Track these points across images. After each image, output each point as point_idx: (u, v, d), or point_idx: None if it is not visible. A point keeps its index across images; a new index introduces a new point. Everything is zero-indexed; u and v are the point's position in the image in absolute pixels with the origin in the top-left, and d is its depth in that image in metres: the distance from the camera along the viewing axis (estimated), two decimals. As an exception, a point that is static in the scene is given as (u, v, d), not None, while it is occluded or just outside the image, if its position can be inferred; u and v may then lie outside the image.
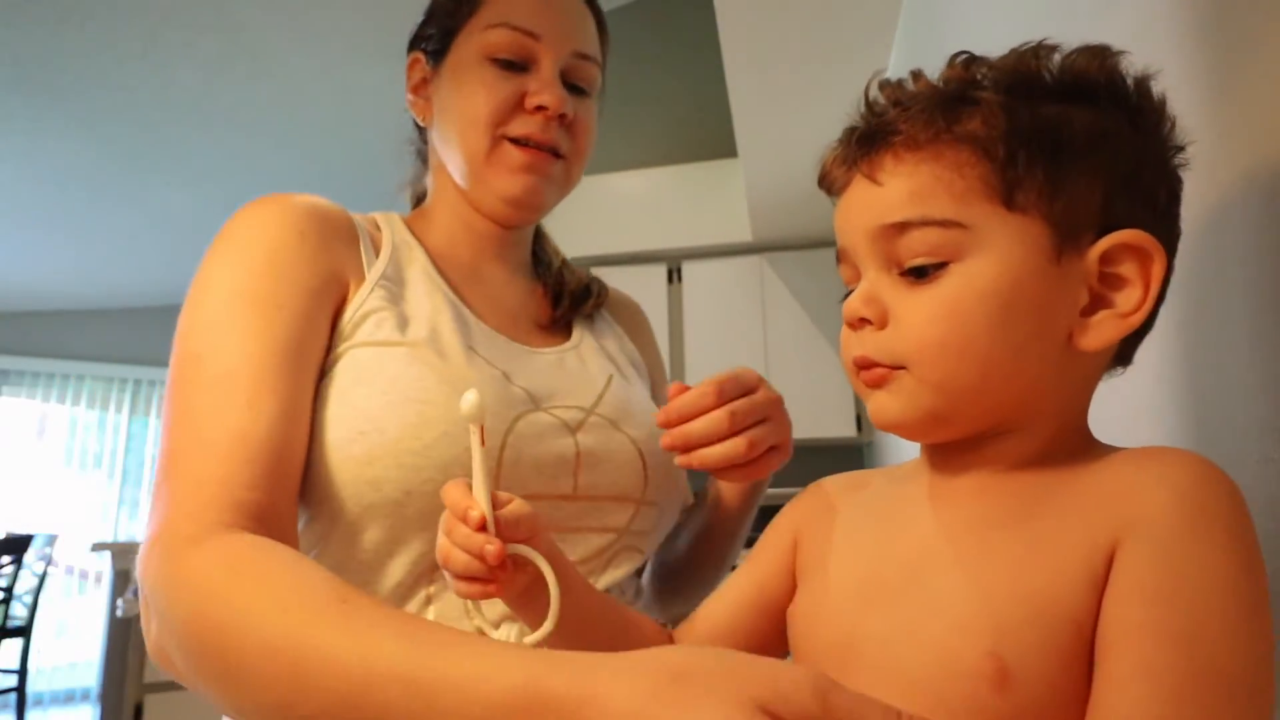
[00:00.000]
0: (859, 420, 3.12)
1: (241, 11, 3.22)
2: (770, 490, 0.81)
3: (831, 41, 1.95)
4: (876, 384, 0.43)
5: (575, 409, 0.66)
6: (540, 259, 0.83)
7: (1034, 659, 0.36)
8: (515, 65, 0.69)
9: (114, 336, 5.41)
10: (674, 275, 3.41)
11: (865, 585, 0.44)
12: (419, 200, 0.83)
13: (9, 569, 3.72)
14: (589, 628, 0.51)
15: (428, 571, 0.58)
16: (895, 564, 0.43)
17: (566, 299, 0.78)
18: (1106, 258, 0.40)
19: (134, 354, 5.44)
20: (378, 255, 0.67)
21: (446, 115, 0.72)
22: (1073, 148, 0.40)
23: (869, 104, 0.44)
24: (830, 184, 0.47)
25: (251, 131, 3.98)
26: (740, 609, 0.54)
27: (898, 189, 0.41)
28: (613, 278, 3.39)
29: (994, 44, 0.46)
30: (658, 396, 0.85)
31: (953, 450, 0.44)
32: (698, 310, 3.34)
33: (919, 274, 0.41)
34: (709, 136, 3.48)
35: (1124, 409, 0.64)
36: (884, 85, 0.44)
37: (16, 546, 3.74)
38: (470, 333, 0.66)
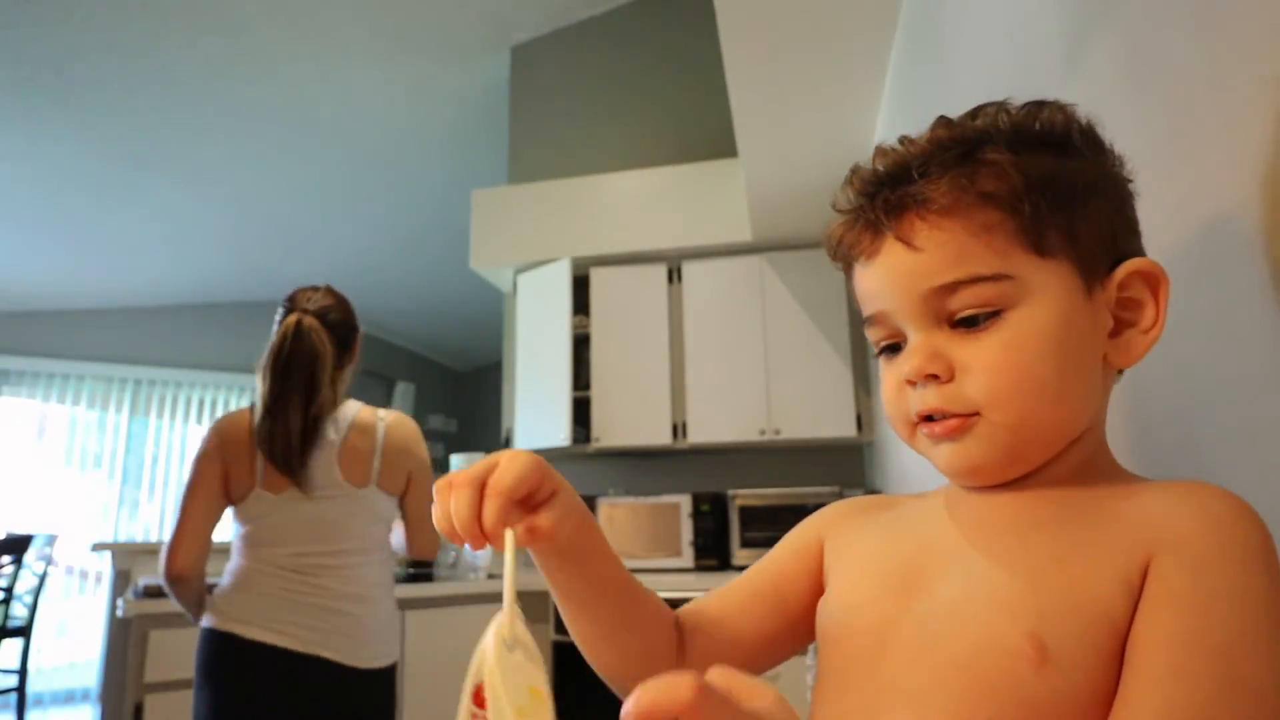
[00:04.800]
0: (859, 420, 3.12)
1: (241, 11, 3.22)
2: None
3: (832, 41, 1.95)
4: (951, 435, 0.45)
5: None
6: None
7: (1072, 646, 0.38)
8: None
9: (114, 336, 5.41)
10: (674, 275, 3.41)
11: (904, 572, 0.47)
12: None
13: (9, 569, 3.71)
14: (601, 590, 0.53)
15: None
16: (935, 554, 0.46)
17: None
18: (1122, 284, 0.45)
19: (134, 354, 5.44)
20: None
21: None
22: (1077, 193, 0.44)
23: (875, 173, 0.48)
24: (852, 251, 0.49)
25: (251, 131, 3.98)
26: (754, 598, 0.57)
27: (939, 253, 0.44)
28: (613, 278, 3.38)
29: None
30: None
31: None
32: (698, 310, 3.34)
33: (970, 323, 0.44)
34: (709, 136, 3.48)
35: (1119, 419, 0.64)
36: (883, 153, 0.48)
37: (16, 546, 3.73)
38: None
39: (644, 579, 0.65)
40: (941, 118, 0.47)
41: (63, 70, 3.32)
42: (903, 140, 0.47)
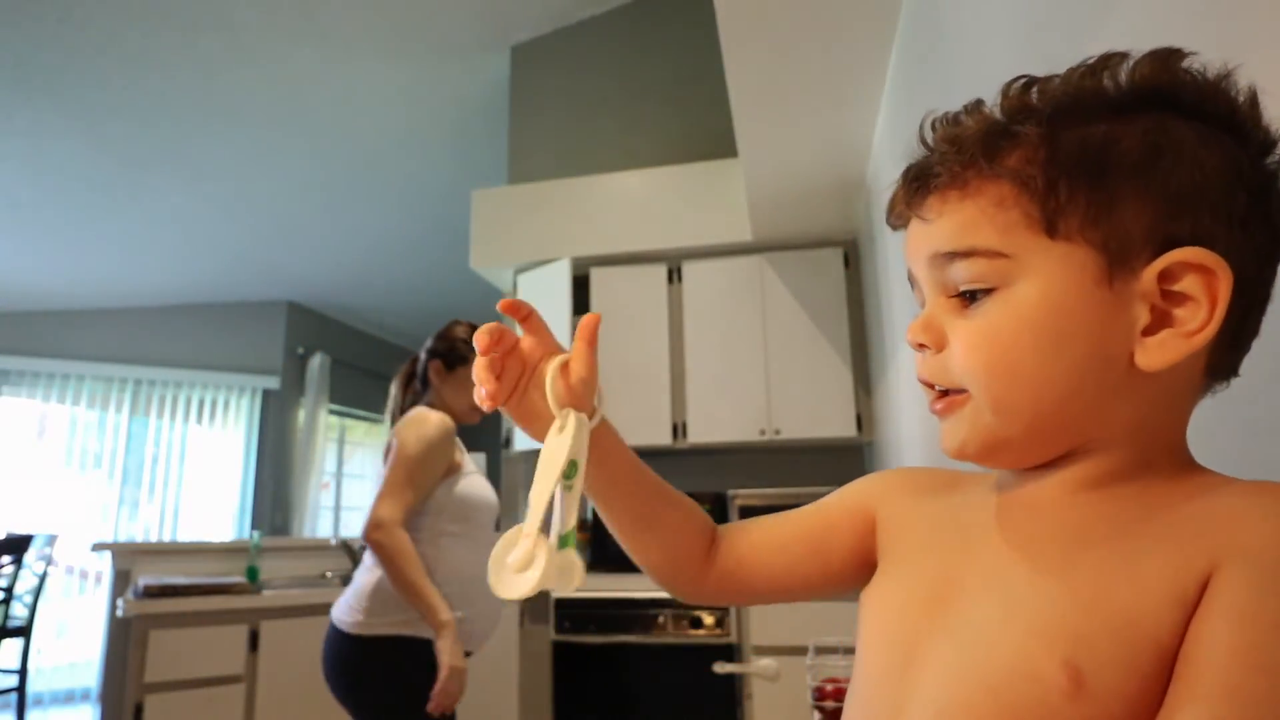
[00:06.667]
0: (859, 420, 3.12)
1: (241, 12, 3.22)
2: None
3: (832, 41, 1.95)
4: (946, 412, 0.44)
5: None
6: None
7: (1111, 673, 0.35)
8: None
9: (114, 336, 5.41)
10: (674, 275, 3.41)
11: (942, 584, 0.45)
12: (414, 399, 1.86)
13: (9, 569, 3.71)
14: (631, 486, 0.58)
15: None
16: (975, 568, 0.44)
17: None
18: (1166, 275, 0.39)
19: (134, 354, 5.44)
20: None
21: (457, 389, 1.81)
22: (1119, 170, 0.39)
23: (923, 142, 0.46)
24: (896, 220, 0.49)
25: (251, 131, 3.98)
26: (796, 538, 0.58)
27: (946, 224, 0.43)
28: (613, 278, 3.38)
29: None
30: None
31: (1036, 469, 0.45)
32: (698, 310, 3.35)
33: (970, 298, 0.43)
34: (709, 136, 3.48)
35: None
36: (936, 123, 0.46)
37: (16, 546, 3.73)
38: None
39: (647, 578, 0.65)
40: (1019, 79, 0.44)
41: (63, 70, 3.32)
42: (967, 107, 0.45)
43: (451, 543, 1.71)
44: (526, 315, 0.55)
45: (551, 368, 0.53)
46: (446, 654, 1.56)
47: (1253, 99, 0.40)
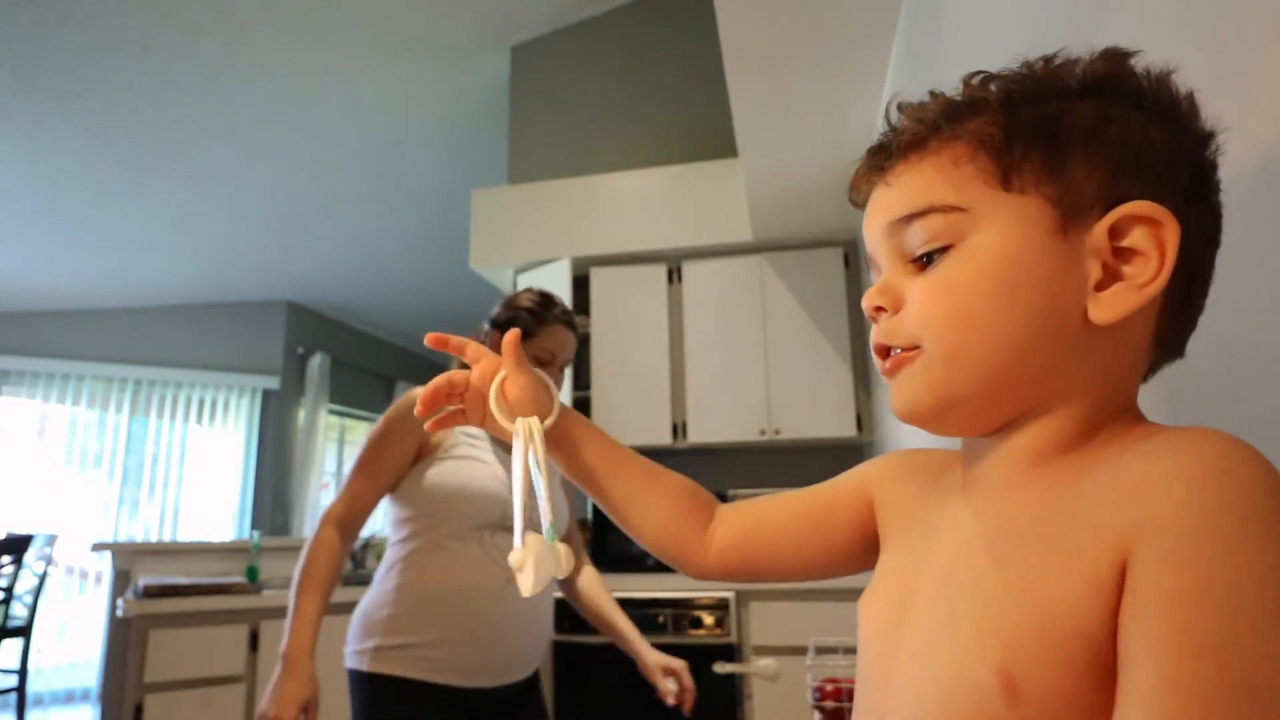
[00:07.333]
0: (859, 420, 3.12)
1: (241, 11, 3.22)
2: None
3: (832, 41, 1.95)
4: (894, 370, 0.44)
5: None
6: None
7: (1044, 673, 0.34)
8: (543, 364, 1.54)
9: (114, 336, 5.41)
10: (674, 275, 3.41)
11: (908, 590, 0.45)
12: None
13: (9, 569, 3.71)
14: (609, 472, 0.62)
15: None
16: (932, 570, 0.44)
17: None
18: (1116, 231, 0.39)
19: (134, 354, 5.44)
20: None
21: None
22: (1072, 134, 0.41)
23: (888, 122, 0.47)
24: (857, 196, 0.49)
25: (251, 131, 3.98)
26: (800, 518, 0.59)
27: (905, 186, 0.44)
28: (613, 278, 3.37)
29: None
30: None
31: (984, 442, 0.45)
32: (698, 310, 3.35)
33: (927, 260, 0.43)
34: (709, 136, 3.48)
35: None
36: (902, 106, 0.47)
37: (16, 546, 3.73)
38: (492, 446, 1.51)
39: (647, 578, 0.66)
40: (977, 74, 0.46)
41: (63, 70, 3.32)
42: (931, 93, 0.46)
43: (426, 546, 1.38)
44: (460, 348, 0.63)
45: (492, 393, 0.59)
46: (265, 694, 1.23)
47: (1191, 97, 0.42)
